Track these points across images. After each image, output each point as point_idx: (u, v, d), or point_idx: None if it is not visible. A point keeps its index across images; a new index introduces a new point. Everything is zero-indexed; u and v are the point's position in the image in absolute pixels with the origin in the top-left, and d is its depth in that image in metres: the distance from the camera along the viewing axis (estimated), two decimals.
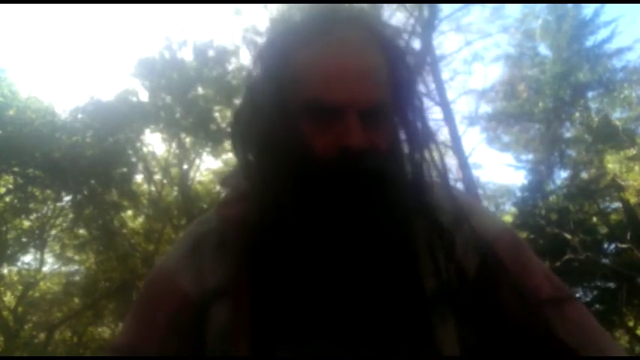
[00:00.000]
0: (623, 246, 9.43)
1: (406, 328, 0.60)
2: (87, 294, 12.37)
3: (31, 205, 10.86)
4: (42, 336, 11.96)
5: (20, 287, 12.09)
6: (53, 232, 12.06)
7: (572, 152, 13.48)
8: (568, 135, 13.80)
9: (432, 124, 0.73)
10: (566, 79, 12.66)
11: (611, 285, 10.25)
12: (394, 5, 10.47)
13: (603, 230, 11.41)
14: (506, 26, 13.41)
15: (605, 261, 10.22)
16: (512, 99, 13.86)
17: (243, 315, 0.60)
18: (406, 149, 0.68)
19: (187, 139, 12.94)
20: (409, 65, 0.69)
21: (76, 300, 12.83)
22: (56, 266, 13.46)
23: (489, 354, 0.63)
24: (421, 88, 0.72)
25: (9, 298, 12.27)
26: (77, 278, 13.34)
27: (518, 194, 12.78)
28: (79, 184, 10.30)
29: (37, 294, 12.68)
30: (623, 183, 10.34)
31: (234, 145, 0.71)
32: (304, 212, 0.60)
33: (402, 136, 0.69)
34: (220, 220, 0.69)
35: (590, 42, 13.28)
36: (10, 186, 10.55)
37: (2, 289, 11.98)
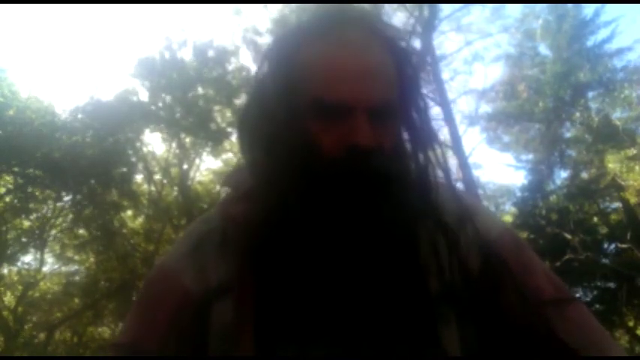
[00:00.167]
0: (623, 246, 9.43)
1: (410, 328, 0.60)
2: (87, 294, 12.38)
3: (31, 205, 10.86)
4: (42, 336, 11.96)
5: (20, 287, 12.10)
6: (53, 232, 12.06)
7: (572, 152, 13.48)
8: (568, 135, 13.81)
9: (434, 124, 0.73)
10: (567, 79, 12.66)
11: (611, 285, 10.25)
12: (394, 5, 10.47)
13: (603, 230, 11.41)
14: (507, 26, 13.43)
15: (605, 261, 10.23)
16: (513, 99, 13.86)
17: (246, 314, 0.59)
18: (410, 149, 0.68)
19: (187, 139, 12.95)
20: (415, 66, 0.69)
21: (76, 300, 12.83)
22: (56, 266, 13.47)
23: (491, 354, 0.63)
24: (424, 88, 0.72)
25: (9, 298, 12.27)
26: (77, 278, 13.35)
27: (519, 194, 12.79)
28: (79, 184, 10.31)
29: (37, 294, 12.68)
30: (623, 183, 10.34)
31: (241, 143, 0.71)
32: (310, 211, 0.60)
33: (406, 136, 0.69)
34: (223, 219, 0.69)
35: (590, 42, 13.29)
36: (10, 186, 10.55)
37: (2, 289, 11.99)
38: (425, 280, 0.62)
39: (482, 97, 13.90)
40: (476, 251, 0.66)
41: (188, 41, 12.62)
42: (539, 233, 10.63)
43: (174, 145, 13.15)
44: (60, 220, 11.92)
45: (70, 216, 11.81)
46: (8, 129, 9.38)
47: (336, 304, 0.59)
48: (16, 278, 12.34)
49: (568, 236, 9.04)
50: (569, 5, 13.25)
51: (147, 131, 12.65)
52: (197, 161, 13.94)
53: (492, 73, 18.60)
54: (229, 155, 13.82)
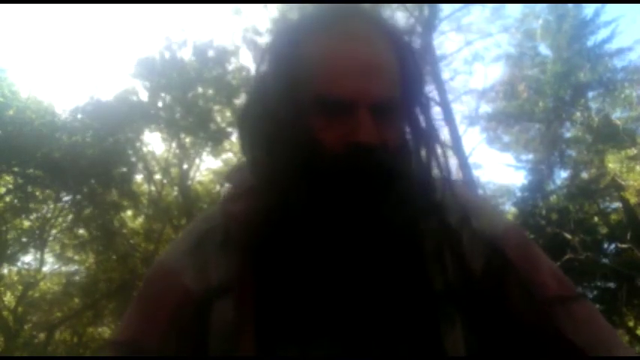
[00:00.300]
0: (623, 246, 9.43)
1: (413, 328, 0.59)
2: (87, 294, 12.37)
3: (31, 205, 10.87)
4: (42, 336, 11.96)
5: (20, 287, 12.10)
6: (53, 232, 12.06)
7: (572, 152, 13.47)
8: (568, 135, 13.80)
9: (436, 122, 0.72)
10: (567, 78, 12.65)
11: (611, 285, 10.24)
12: (394, 5, 10.46)
13: (603, 230, 11.40)
14: (507, 26, 13.41)
15: (605, 261, 10.22)
16: (513, 99, 13.85)
17: (247, 313, 0.59)
18: (413, 146, 0.68)
19: (187, 139, 12.95)
20: (418, 63, 0.68)
21: (76, 300, 12.83)
22: (56, 266, 13.47)
23: (497, 353, 0.63)
24: (427, 86, 0.71)
25: (9, 298, 12.27)
26: (77, 278, 13.35)
27: (518, 194, 12.78)
28: (79, 184, 10.31)
29: (37, 294, 12.68)
30: (623, 183, 10.34)
31: (241, 140, 0.70)
32: (311, 209, 0.59)
33: (410, 133, 0.68)
34: (224, 217, 0.68)
35: (590, 42, 13.28)
36: (10, 186, 10.55)
37: (2, 289, 11.99)
38: (428, 279, 0.62)
39: (482, 97, 13.89)
40: (480, 249, 0.66)
41: (188, 41, 12.63)
42: (539, 233, 10.62)
43: (174, 145, 13.15)
44: (60, 220, 11.93)
45: (70, 216, 11.82)
46: (8, 129, 9.39)
47: (338, 303, 0.58)
48: (16, 278, 12.34)
49: (568, 236, 9.03)
50: (570, 5, 13.25)
51: (147, 131, 12.66)
52: (197, 161, 13.95)
53: (492, 73, 18.60)
54: (229, 155, 13.82)
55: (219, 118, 12.89)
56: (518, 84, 13.75)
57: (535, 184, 12.01)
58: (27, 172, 10.09)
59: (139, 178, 13.21)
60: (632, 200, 10.28)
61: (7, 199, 10.62)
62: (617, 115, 11.71)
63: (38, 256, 11.95)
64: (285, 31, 0.68)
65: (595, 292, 10.75)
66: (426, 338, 0.59)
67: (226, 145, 13.30)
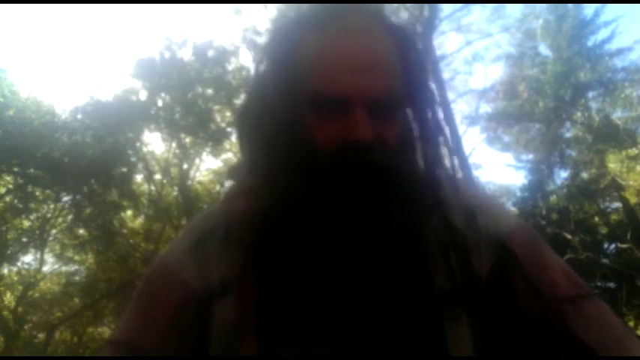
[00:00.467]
0: (623, 246, 9.43)
1: (415, 328, 0.58)
2: (87, 294, 12.38)
3: (31, 205, 10.87)
4: (42, 336, 11.97)
5: (20, 287, 12.10)
6: (53, 232, 12.06)
7: (572, 152, 13.47)
8: (568, 135, 13.80)
9: (440, 116, 0.70)
10: (567, 78, 12.64)
11: (611, 285, 10.24)
12: (394, 5, 10.46)
13: (603, 230, 11.41)
14: (507, 26, 13.41)
15: (605, 261, 10.22)
16: (513, 99, 13.84)
17: (249, 312, 0.58)
18: (418, 143, 0.66)
19: (187, 139, 12.95)
20: (421, 56, 0.67)
21: (76, 300, 12.83)
22: (56, 266, 13.48)
23: (506, 353, 0.62)
24: (431, 80, 0.69)
25: (9, 298, 12.27)
26: (77, 278, 13.35)
27: (519, 194, 12.78)
28: (79, 184, 10.31)
29: (37, 294, 12.69)
30: (623, 183, 10.34)
31: (240, 138, 0.70)
32: (308, 208, 0.59)
33: (414, 129, 0.67)
34: (226, 214, 0.67)
35: (590, 42, 13.27)
36: (10, 186, 10.56)
37: (2, 289, 11.99)
38: (429, 277, 0.61)
39: (483, 97, 13.89)
40: (487, 247, 0.65)
41: (188, 41, 12.62)
42: (539, 233, 10.58)
43: (174, 145, 13.15)
44: (60, 220, 11.93)
45: (70, 216, 11.81)
46: (8, 129, 9.39)
47: (340, 303, 0.58)
48: (16, 278, 12.35)
49: (568, 236, 9.03)
50: (570, 5, 13.24)
51: (146, 131, 12.65)
52: (197, 161, 13.95)
53: (492, 73, 18.59)
54: (229, 155, 13.81)
55: (219, 118, 12.89)
56: (519, 84, 13.75)
57: (535, 184, 12.01)
58: (27, 172, 10.09)
59: (139, 178, 13.22)
60: (633, 200, 10.28)
61: (7, 199, 10.63)
62: (618, 115, 11.71)
63: (38, 256, 11.97)
64: (282, 30, 0.67)
65: (595, 292, 10.74)
66: (428, 338, 0.58)
67: (226, 145, 13.29)
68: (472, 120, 13.56)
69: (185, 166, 13.40)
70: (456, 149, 9.35)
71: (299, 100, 0.61)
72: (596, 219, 11.82)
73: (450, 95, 11.54)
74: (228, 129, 12.37)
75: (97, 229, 11.40)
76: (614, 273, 9.52)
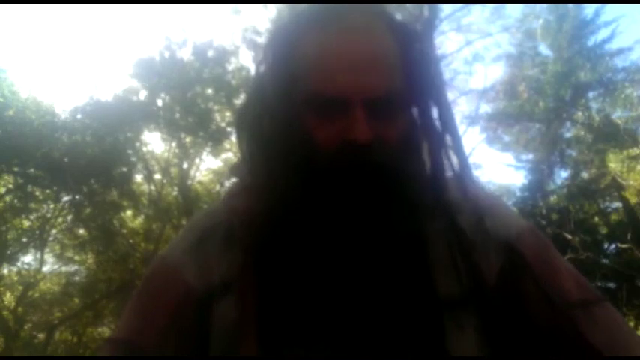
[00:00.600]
0: (624, 246, 9.43)
1: (415, 331, 0.58)
2: (87, 294, 12.38)
3: (31, 205, 10.88)
4: (42, 336, 11.96)
5: (20, 287, 12.10)
6: (53, 232, 12.06)
7: (572, 152, 13.46)
8: (568, 135, 13.80)
9: (450, 113, 0.67)
10: (567, 78, 12.64)
11: (611, 285, 10.24)
12: (394, 5, 10.46)
13: (603, 230, 11.41)
14: (507, 26, 13.39)
15: (605, 261, 10.22)
16: (513, 99, 13.84)
17: (250, 312, 0.58)
18: (420, 141, 0.65)
19: (187, 139, 12.94)
20: (424, 52, 0.65)
21: (76, 300, 12.83)
22: (56, 266, 13.48)
23: (514, 357, 0.61)
24: (438, 75, 0.68)
25: (9, 298, 12.27)
26: (77, 278, 13.35)
27: (519, 194, 12.78)
28: (78, 184, 10.30)
29: (37, 294, 12.69)
30: (623, 183, 10.34)
31: (239, 138, 0.69)
32: (308, 208, 0.59)
33: (419, 128, 0.65)
34: (227, 213, 0.66)
35: (590, 42, 13.28)
36: (10, 186, 10.56)
37: (2, 289, 11.99)
38: (431, 280, 0.60)
39: (483, 97, 13.88)
40: (495, 251, 0.63)
41: (188, 41, 12.62)
42: None
43: (174, 144, 13.15)
44: (60, 220, 11.93)
45: (70, 216, 11.81)
46: (8, 129, 9.39)
47: (339, 303, 0.58)
48: (16, 278, 12.35)
49: (568, 236, 9.03)
50: (570, 5, 13.24)
51: (146, 131, 12.65)
52: (197, 161, 13.95)
53: (492, 73, 18.52)
54: (229, 155, 13.81)
55: (218, 118, 12.89)
56: (519, 84, 13.74)
57: (535, 184, 12.01)
58: (27, 172, 10.09)
59: (138, 178, 13.21)
60: (633, 200, 10.28)
61: (7, 199, 10.63)
62: (618, 115, 11.71)
63: (38, 256, 11.97)
64: (282, 30, 0.66)
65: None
66: (430, 342, 0.58)
67: (226, 145, 13.29)
68: (472, 120, 13.56)
69: (185, 166, 13.40)
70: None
71: (298, 100, 0.60)
72: (596, 219, 11.82)
73: (450, 95, 11.53)
74: (228, 129, 12.37)
75: (97, 229, 11.40)
76: (614, 273, 9.52)
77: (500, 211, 0.69)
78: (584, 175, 13.00)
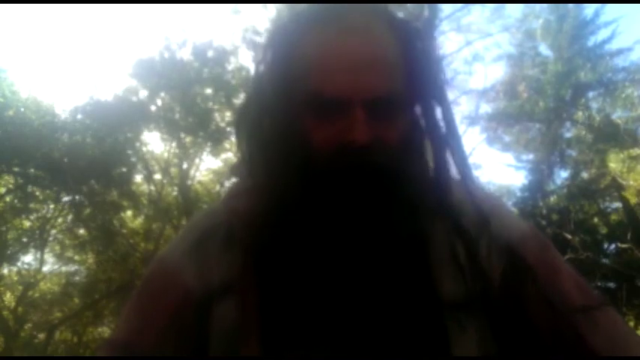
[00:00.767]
0: (624, 246, 9.43)
1: (417, 332, 0.57)
2: (87, 294, 12.38)
3: (31, 205, 10.88)
4: (42, 336, 11.96)
5: (20, 287, 12.10)
6: (53, 232, 12.06)
7: (572, 152, 13.46)
8: (569, 135, 13.80)
9: (452, 114, 0.66)
10: (567, 78, 12.64)
11: (611, 285, 10.24)
12: (394, 5, 10.45)
13: (603, 230, 11.40)
14: (507, 26, 13.39)
15: (605, 261, 10.21)
16: (513, 99, 13.83)
17: (251, 313, 0.57)
18: (422, 142, 0.64)
19: (187, 139, 12.94)
20: (426, 51, 0.64)
21: (76, 300, 12.83)
22: (56, 266, 13.48)
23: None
24: (440, 74, 0.66)
25: (9, 298, 12.27)
26: (77, 278, 13.35)
27: (519, 194, 12.78)
28: (78, 184, 10.30)
29: (37, 294, 12.69)
30: (623, 183, 10.34)
31: (239, 139, 0.68)
32: (306, 210, 0.58)
33: (422, 129, 0.64)
34: (228, 214, 0.66)
35: (591, 42, 13.28)
36: (11, 186, 10.56)
37: (2, 289, 11.99)
38: (432, 281, 0.60)
39: (483, 97, 13.87)
40: (498, 254, 0.63)
41: (188, 41, 12.61)
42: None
43: (174, 144, 13.15)
44: (60, 220, 11.93)
45: (70, 216, 11.81)
46: (8, 129, 9.39)
47: (339, 305, 0.57)
48: (16, 278, 12.35)
49: (568, 236, 9.03)
50: (570, 5, 13.24)
51: (146, 131, 12.65)
52: (197, 161, 13.95)
53: (492, 73, 18.52)
54: (229, 155, 13.80)
55: (218, 118, 12.88)
56: (519, 84, 13.73)
57: (535, 184, 12.01)
58: (27, 172, 10.09)
59: (138, 178, 13.22)
60: (633, 200, 10.28)
61: (7, 199, 10.63)
62: (618, 115, 11.70)
63: (38, 256, 11.97)
64: (281, 30, 0.66)
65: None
66: (432, 344, 0.57)
67: (226, 145, 13.29)
68: (472, 120, 13.55)
69: (185, 166, 13.40)
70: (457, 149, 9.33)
71: (297, 100, 0.60)
72: (596, 219, 11.82)
73: (450, 95, 11.52)
74: (228, 129, 12.37)
75: (97, 229, 11.40)
76: (614, 273, 9.52)
77: (502, 213, 0.69)
78: (584, 175, 12.99)
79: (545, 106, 12.92)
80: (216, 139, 12.49)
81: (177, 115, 12.31)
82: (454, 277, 0.60)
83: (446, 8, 11.02)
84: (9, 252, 11.04)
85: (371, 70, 0.57)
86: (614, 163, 10.66)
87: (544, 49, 14.19)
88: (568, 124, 13.59)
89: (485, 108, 14.43)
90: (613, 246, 10.87)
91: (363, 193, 0.57)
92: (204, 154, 13.76)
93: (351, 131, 0.56)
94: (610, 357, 0.57)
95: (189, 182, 13.33)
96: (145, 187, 13.51)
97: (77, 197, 10.99)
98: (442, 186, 0.63)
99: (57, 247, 12.79)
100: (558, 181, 12.99)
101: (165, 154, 13.51)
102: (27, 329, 12.19)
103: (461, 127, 11.44)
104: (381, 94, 0.57)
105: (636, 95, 11.49)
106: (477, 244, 0.62)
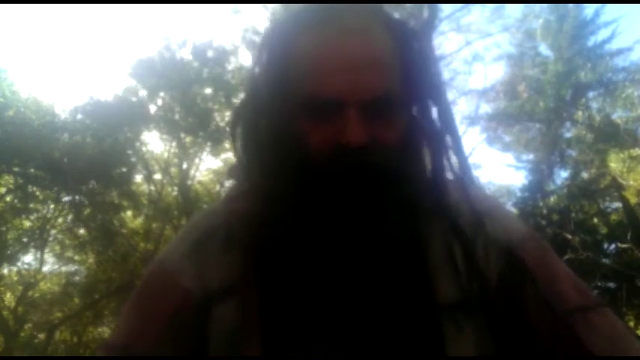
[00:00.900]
0: (624, 246, 9.42)
1: (413, 333, 0.57)
2: (87, 294, 12.37)
3: (31, 205, 10.87)
4: (42, 336, 11.96)
5: (20, 287, 12.09)
6: (53, 232, 12.06)
7: (572, 152, 13.46)
8: (569, 135, 13.80)
9: (450, 114, 0.67)
10: (568, 78, 12.64)
11: (611, 285, 10.23)
12: (394, 5, 10.45)
13: (603, 230, 11.40)
14: (507, 26, 13.39)
15: (605, 261, 10.21)
16: (513, 99, 13.84)
17: (251, 315, 0.57)
18: (419, 143, 0.64)
19: (187, 139, 12.94)
20: (423, 50, 0.64)
21: (76, 300, 12.83)
22: (56, 266, 13.47)
23: None
24: (438, 75, 0.68)
25: (9, 298, 12.26)
26: (77, 278, 13.35)
27: (519, 194, 12.77)
28: (78, 184, 10.30)
29: (37, 294, 12.68)
30: (623, 183, 10.34)
31: (234, 141, 0.68)
32: (302, 212, 0.58)
33: (419, 129, 0.64)
34: (227, 215, 0.66)
35: (591, 42, 13.28)
36: (11, 186, 10.56)
37: (2, 289, 11.98)
38: (429, 282, 0.60)
39: (483, 97, 13.88)
40: (496, 256, 0.63)
41: (187, 41, 12.61)
42: (539, 233, 10.58)
43: (173, 144, 13.15)
44: (60, 220, 11.93)
45: (70, 216, 11.81)
46: (8, 129, 9.39)
47: (337, 306, 0.57)
48: (16, 278, 12.34)
49: (568, 236, 9.03)
50: (570, 5, 13.24)
51: (146, 131, 12.65)
52: (197, 161, 13.95)
53: (492, 73, 18.56)
54: (229, 155, 13.80)
55: (218, 118, 12.88)
56: (519, 84, 13.74)
57: (535, 184, 12.00)
58: (27, 172, 10.09)
59: (138, 178, 13.21)
60: (633, 200, 10.28)
61: (7, 199, 10.63)
62: (618, 115, 11.71)
63: (38, 256, 11.96)
64: (276, 31, 0.65)
65: (595, 292, 10.74)
66: (428, 345, 0.57)
67: (226, 144, 13.29)
68: (472, 120, 13.55)
69: (185, 166, 13.40)
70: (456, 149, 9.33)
71: (293, 102, 0.60)
72: (596, 219, 11.82)
73: (450, 95, 11.53)
74: (228, 129, 12.36)
75: (97, 229, 11.39)
76: (614, 273, 9.51)
77: (500, 215, 0.69)
78: (584, 175, 12.99)
79: (545, 106, 12.92)
80: (216, 139, 12.49)
81: (177, 115, 12.30)
82: (451, 278, 0.60)
83: (446, 8, 11.03)
84: (9, 252, 11.03)
85: (366, 72, 0.57)
86: (615, 163, 10.66)
87: (544, 49, 14.20)
88: (568, 124, 13.59)
89: (485, 108, 14.44)
90: (613, 246, 10.86)
91: (359, 194, 0.57)
92: (204, 154, 13.77)
93: (346, 133, 0.56)
94: (607, 357, 0.57)
95: (189, 182, 13.33)
96: (145, 187, 13.51)
97: (77, 197, 10.99)
98: (439, 186, 0.63)
99: (57, 247, 12.78)
100: (558, 181, 13.00)
101: (165, 154, 13.51)
102: (27, 329, 12.18)
103: (461, 127, 11.46)
104: (376, 94, 0.57)
105: (636, 95, 11.50)
106: (474, 244, 0.62)
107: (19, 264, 11.97)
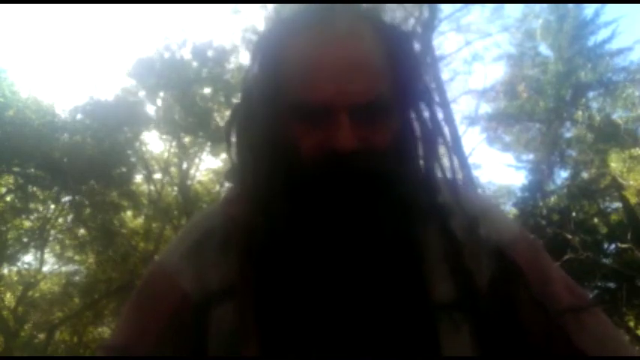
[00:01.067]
0: (624, 246, 9.42)
1: (409, 334, 0.58)
2: (87, 294, 12.37)
3: (31, 205, 10.88)
4: (42, 336, 11.96)
5: (20, 287, 12.10)
6: (53, 232, 12.06)
7: (572, 152, 13.46)
8: (569, 135, 13.80)
9: (439, 118, 0.67)
10: (568, 78, 12.64)
11: (611, 285, 10.23)
12: (394, 5, 10.45)
13: (604, 230, 11.40)
14: (507, 26, 13.40)
15: (605, 261, 10.21)
16: (513, 99, 13.84)
17: (250, 317, 0.58)
18: (411, 146, 0.64)
19: (187, 139, 12.95)
20: (414, 53, 0.64)
21: (76, 300, 12.83)
22: (56, 266, 13.47)
23: None
24: (427, 79, 0.68)
25: (9, 298, 12.27)
26: (77, 278, 13.35)
27: (519, 194, 12.77)
28: (79, 184, 10.31)
29: (37, 294, 12.68)
30: (623, 183, 10.34)
31: (228, 145, 0.69)
32: (294, 217, 0.58)
33: (411, 132, 0.64)
34: (225, 217, 0.66)
35: (591, 42, 13.28)
36: (11, 186, 10.56)
37: (2, 289, 11.98)
38: (422, 283, 0.60)
39: (483, 97, 13.89)
40: (488, 256, 0.63)
41: (187, 41, 12.62)
42: (539, 233, 10.60)
43: (173, 144, 13.15)
44: (60, 220, 11.93)
45: (70, 216, 11.81)
46: (8, 129, 9.39)
47: (333, 307, 0.57)
48: (16, 278, 12.34)
49: (568, 236, 9.02)
50: (570, 5, 13.24)
51: (146, 131, 12.66)
52: (197, 161, 13.95)
53: (492, 73, 18.56)
54: None
55: (218, 118, 12.89)
56: (519, 84, 13.74)
57: (535, 184, 12.00)
58: (27, 172, 10.10)
59: (138, 178, 13.22)
60: (633, 200, 10.28)
61: (8, 199, 10.63)
62: (618, 115, 11.71)
63: (38, 256, 11.96)
64: (267, 35, 0.65)
65: (595, 292, 10.74)
66: (424, 345, 0.57)
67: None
68: (472, 120, 13.56)
69: (185, 166, 13.41)
70: (456, 149, 9.34)
71: (284, 107, 0.60)
72: (596, 219, 11.82)
73: (450, 95, 11.54)
74: (224, 132, 12.37)
75: (97, 229, 11.40)
76: (614, 273, 9.51)
77: (493, 216, 0.69)
78: (585, 175, 12.99)
79: (545, 106, 12.92)
80: (216, 139, 12.49)
81: (176, 115, 12.31)
82: (446, 277, 0.61)
83: (445, 8, 11.05)
84: (9, 252, 11.03)
85: (356, 77, 0.57)
86: (615, 163, 10.66)
87: (544, 49, 14.20)
88: (568, 124, 13.59)
89: (486, 108, 14.45)
90: (613, 246, 10.86)
91: (350, 199, 0.57)
92: (204, 154, 13.78)
93: (336, 138, 0.56)
94: (598, 357, 0.58)
95: (189, 182, 13.34)
96: (144, 187, 13.52)
97: (77, 197, 10.99)
98: (431, 188, 0.63)
99: (57, 247, 12.78)
100: (558, 181, 13.00)
101: (165, 154, 13.52)
102: (27, 329, 12.19)
103: (461, 127, 11.45)
104: (367, 99, 0.57)
105: (636, 95, 11.50)
106: (464, 245, 0.62)
107: (19, 264, 11.98)
